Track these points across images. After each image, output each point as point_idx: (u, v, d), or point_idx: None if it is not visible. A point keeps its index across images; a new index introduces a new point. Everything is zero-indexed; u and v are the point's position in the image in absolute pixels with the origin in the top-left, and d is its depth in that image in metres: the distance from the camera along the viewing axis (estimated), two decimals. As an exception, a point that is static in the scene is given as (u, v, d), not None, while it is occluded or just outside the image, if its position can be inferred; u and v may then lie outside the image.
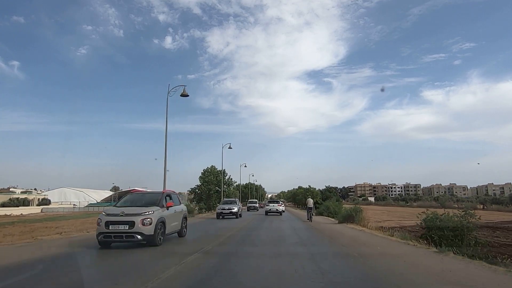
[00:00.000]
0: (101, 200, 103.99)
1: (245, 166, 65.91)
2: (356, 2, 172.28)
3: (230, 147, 38.03)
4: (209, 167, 45.39)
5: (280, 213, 34.37)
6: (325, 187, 61.96)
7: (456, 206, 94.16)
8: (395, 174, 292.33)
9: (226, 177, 46.48)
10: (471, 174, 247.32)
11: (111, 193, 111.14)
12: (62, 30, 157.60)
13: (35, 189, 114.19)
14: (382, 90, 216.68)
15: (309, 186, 58.75)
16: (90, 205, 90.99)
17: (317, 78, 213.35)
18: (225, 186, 42.78)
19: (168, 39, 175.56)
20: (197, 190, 44.64)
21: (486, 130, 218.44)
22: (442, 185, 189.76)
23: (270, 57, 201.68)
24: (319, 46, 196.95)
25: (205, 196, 43.05)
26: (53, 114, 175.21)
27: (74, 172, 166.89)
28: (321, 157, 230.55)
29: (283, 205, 39.15)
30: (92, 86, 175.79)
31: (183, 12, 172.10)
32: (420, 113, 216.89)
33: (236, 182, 46.70)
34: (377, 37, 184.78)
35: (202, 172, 45.75)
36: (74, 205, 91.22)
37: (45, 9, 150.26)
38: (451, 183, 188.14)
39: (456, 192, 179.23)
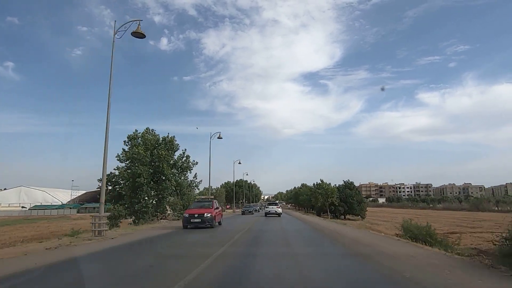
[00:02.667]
0: (68, 201, 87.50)
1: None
2: (351, 4, 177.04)
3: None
4: (138, 132, 23.21)
5: (278, 214, 34.12)
6: (343, 183, 44.81)
7: (496, 209, 77.77)
8: (397, 174, 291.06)
9: (177, 154, 24.18)
10: (480, 174, 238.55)
11: (81, 192, 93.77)
12: (57, 31, 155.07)
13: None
14: (383, 89, 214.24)
15: (322, 180, 41.65)
16: (36, 207, 73.35)
17: (313, 80, 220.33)
18: (174, 170, 23.22)
19: (164, 41, 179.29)
20: (113, 179, 21.75)
21: (482, 132, 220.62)
22: (456, 185, 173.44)
23: (266, 59, 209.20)
24: (315, 48, 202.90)
25: (128, 190, 20.92)
26: (48, 115, 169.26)
27: (65, 171, 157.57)
28: (319, 159, 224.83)
29: (280, 207, 39.14)
30: (86, 87, 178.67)
31: (179, 14, 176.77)
32: (416, 116, 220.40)
33: (196, 163, 25.69)
34: (372, 39, 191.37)
35: (125, 142, 22.98)
36: (22, 207, 74.01)
37: (40, 10, 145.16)
38: (466, 182, 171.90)
39: (472, 192, 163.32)
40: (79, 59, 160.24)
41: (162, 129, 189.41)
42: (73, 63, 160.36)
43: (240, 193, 74.01)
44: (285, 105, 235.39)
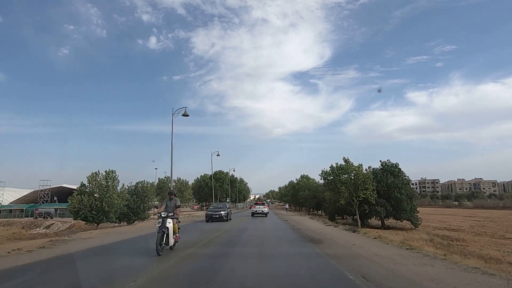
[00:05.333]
0: (14, 201, 70.35)
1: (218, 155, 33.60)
2: (340, 4, 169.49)
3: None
4: None
5: (265, 214, 34.69)
6: (380, 165, 26.52)
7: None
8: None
9: None
10: (477, 170, 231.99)
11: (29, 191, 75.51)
12: (42, 30, 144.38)
13: None
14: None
15: (346, 161, 23.32)
16: None
17: (302, 80, 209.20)
18: None
19: (153, 40, 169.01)
20: None
21: (469, 130, 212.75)
22: (466, 180, 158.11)
23: (256, 58, 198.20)
24: (304, 48, 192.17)
25: None
26: (34, 116, 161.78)
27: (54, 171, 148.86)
28: (309, 158, 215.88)
29: (267, 207, 39.44)
30: (74, 87, 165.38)
31: (167, 13, 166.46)
32: (405, 115, 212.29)
33: None
34: (361, 39, 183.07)
35: None
36: None
37: (24, 8, 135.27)
38: (477, 178, 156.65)
39: (483, 188, 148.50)
40: (65, 58, 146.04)
41: (150, 129, 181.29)
42: (59, 62, 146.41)
43: (218, 189, 54.96)
44: (275, 105, 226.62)
